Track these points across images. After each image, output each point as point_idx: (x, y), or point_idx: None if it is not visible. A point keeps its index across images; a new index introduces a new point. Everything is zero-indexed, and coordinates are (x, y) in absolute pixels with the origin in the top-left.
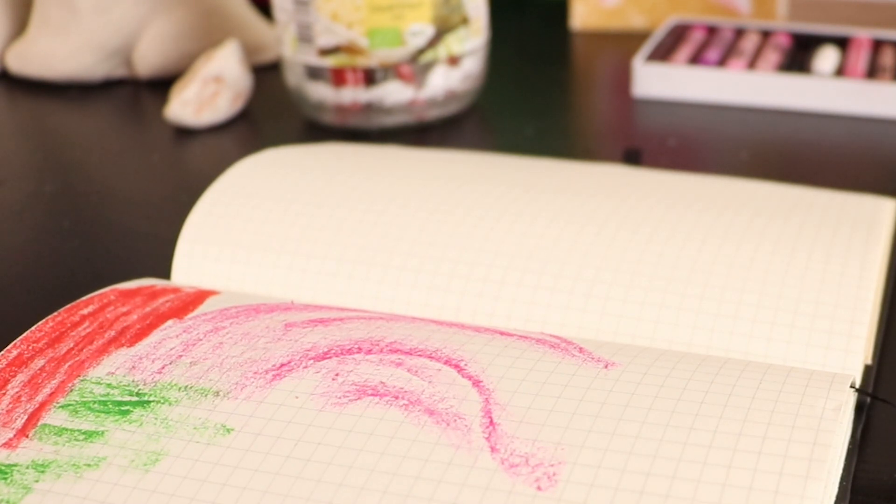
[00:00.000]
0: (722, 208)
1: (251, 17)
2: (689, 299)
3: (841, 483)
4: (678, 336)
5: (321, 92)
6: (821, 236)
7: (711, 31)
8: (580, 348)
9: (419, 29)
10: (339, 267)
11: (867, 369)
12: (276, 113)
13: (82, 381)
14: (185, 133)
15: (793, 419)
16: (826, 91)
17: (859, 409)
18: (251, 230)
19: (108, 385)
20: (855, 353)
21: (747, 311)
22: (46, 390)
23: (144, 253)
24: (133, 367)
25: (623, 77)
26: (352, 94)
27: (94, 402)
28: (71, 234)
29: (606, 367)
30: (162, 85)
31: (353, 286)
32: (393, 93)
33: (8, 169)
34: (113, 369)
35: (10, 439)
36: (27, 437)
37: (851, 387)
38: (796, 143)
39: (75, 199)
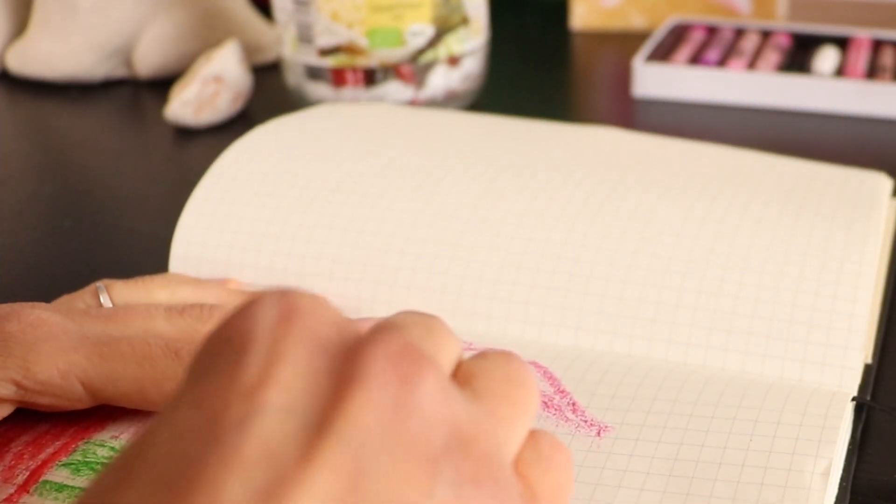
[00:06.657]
0: (716, 193)
1: (251, 17)
2: (687, 295)
3: (841, 483)
4: (678, 336)
5: (321, 92)
6: (818, 237)
7: (711, 31)
8: (573, 405)
9: (419, 29)
10: (335, 267)
11: (867, 369)
12: (276, 113)
13: (86, 443)
14: (184, 133)
15: (797, 430)
16: (826, 91)
17: (859, 409)
18: (248, 216)
19: (112, 448)
20: (854, 350)
21: (745, 308)
22: (50, 450)
23: (144, 253)
24: (137, 430)
25: (623, 77)
26: (352, 94)
27: (97, 463)
28: (71, 234)
29: (599, 433)
30: (162, 85)
31: (352, 286)
32: (393, 93)
33: (8, 169)
34: (117, 433)
35: (11, 495)
36: (28, 492)
37: (853, 400)
38: (796, 143)
39: (75, 199)
